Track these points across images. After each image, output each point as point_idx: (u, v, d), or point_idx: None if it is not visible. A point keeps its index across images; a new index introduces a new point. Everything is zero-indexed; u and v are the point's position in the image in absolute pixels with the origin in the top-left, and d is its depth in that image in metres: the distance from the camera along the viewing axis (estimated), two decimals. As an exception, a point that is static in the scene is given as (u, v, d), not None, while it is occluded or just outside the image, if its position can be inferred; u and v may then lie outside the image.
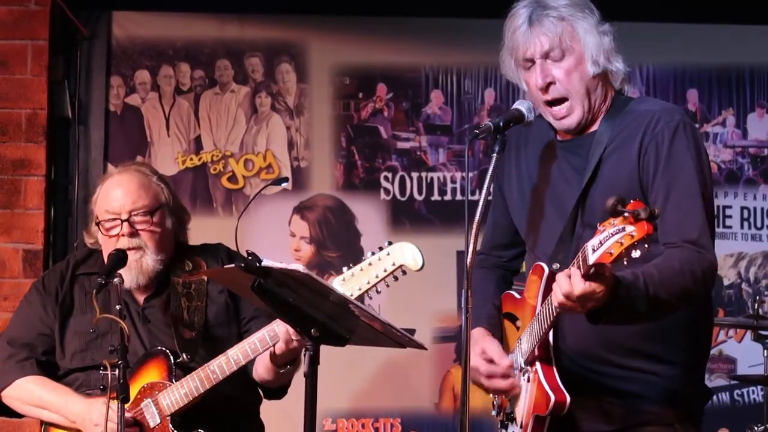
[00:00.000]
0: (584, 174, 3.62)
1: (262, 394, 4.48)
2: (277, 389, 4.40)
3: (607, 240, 3.12)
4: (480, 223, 3.45)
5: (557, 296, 3.31)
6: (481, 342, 3.75)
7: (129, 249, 4.29)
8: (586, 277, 3.23)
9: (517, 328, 3.77)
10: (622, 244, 3.09)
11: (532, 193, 3.77)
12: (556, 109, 3.65)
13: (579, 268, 3.23)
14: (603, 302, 3.29)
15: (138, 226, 4.33)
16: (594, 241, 3.16)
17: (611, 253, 3.11)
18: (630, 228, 3.08)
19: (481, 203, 3.47)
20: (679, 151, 3.52)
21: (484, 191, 3.49)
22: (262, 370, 4.24)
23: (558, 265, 3.58)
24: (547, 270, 3.59)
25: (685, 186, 3.50)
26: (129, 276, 4.28)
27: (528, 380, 3.62)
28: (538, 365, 3.58)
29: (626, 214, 3.08)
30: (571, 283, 3.25)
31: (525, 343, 3.64)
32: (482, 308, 3.85)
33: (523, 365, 3.66)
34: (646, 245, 3.07)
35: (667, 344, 3.60)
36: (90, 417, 4.22)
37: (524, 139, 3.81)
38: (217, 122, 6.48)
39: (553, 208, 3.71)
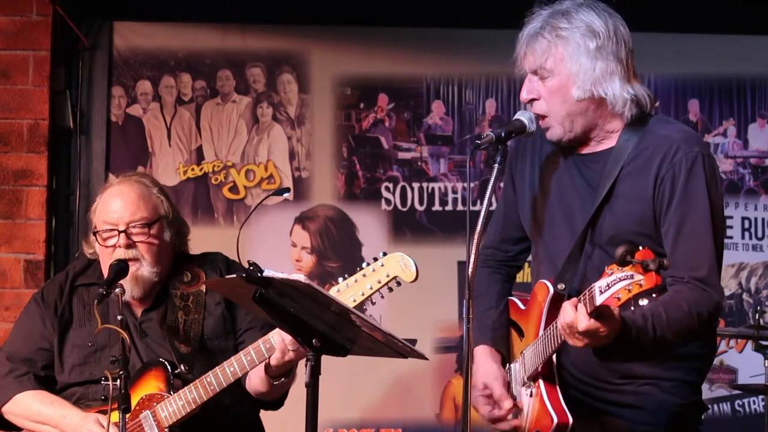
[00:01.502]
0: (598, 191, 3.62)
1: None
2: (271, 402, 4.38)
3: (615, 284, 3.16)
4: (481, 233, 3.46)
5: (560, 324, 3.36)
6: (481, 370, 3.77)
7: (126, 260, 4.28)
8: (591, 315, 3.28)
9: (521, 338, 3.77)
10: (630, 291, 3.14)
11: (542, 198, 3.77)
12: (540, 122, 3.67)
13: (585, 305, 3.27)
14: (608, 341, 3.35)
15: (135, 238, 4.31)
16: (602, 283, 3.20)
17: (618, 298, 3.16)
18: (639, 277, 3.12)
19: (482, 214, 3.47)
20: (696, 184, 3.53)
21: (485, 202, 3.48)
22: (256, 381, 4.22)
23: (563, 286, 3.61)
24: (552, 290, 3.61)
25: (698, 221, 3.52)
26: (125, 287, 4.25)
27: (531, 395, 3.64)
28: (541, 383, 3.61)
29: (635, 263, 3.12)
30: (576, 316, 3.30)
31: (529, 358, 3.65)
32: (487, 318, 3.86)
33: (526, 380, 3.67)
34: (654, 294, 3.13)
35: (669, 362, 3.63)
36: (86, 428, 4.21)
37: (539, 141, 3.80)
38: (218, 132, 6.48)
39: (562, 218, 3.71)
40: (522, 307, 3.82)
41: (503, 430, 3.75)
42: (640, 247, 3.14)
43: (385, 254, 3.87)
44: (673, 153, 3.55)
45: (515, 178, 3.87)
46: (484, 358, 3.79)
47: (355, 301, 3.86)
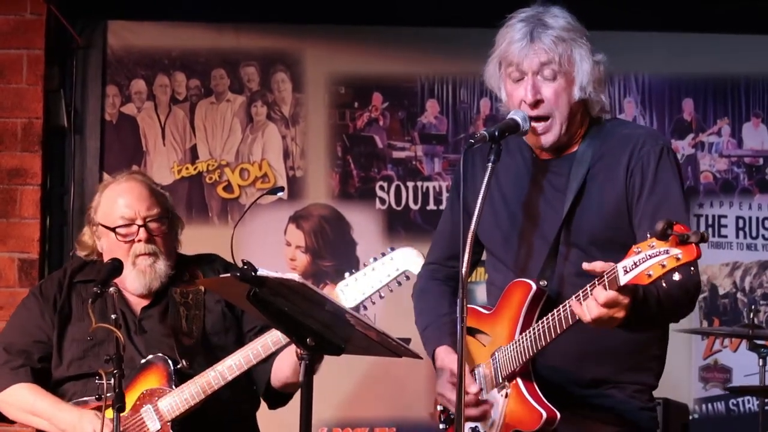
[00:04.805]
0: (567, 194, 3.63)
1: (267, 403, 4.47)
2: (289, 394, 4.40)
3: (644, 261, 3.15)
4: (475, 233, 3.45)
5: (591, 312, 3.32)
6: (448, 363, 3.77)
7: (143, 255, 4.33)
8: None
9: (484, 343, 3.76)
10: (664, 266, 3.12)
11: (506, 208, 3.76)
12: (537, 124, 3.64)
13: (605, 288, 3.26)
14: (621, 321, 3.35)
15: (154, 232, 4.36)
16: (627, 262, 3.19)
17: (650, 275, 3.15)
18: (675, 251, 3.11)
19: (476, 213, 3.46)
20: (665, 174, 3.58)
21: (479, 201, 3.48)
22: (290, 373, 4.23)
23: (545, 282, 3.61)
24: (534, 287, 3.60)
25: (674, 207, 3.55)
26: (142, 281, 4.33)
27: (505, 396, 3.63)
28: (519, 381, 3.60)
29: (673, 235, 3.10)
30: (599, 296, 3.29)
31: (505, 358, 3.63)
32: (444, 324, 3.86)
33: (500, 380, 3.65)
34: (692, 268, 3.13)
35: (632, 366, 3.67)
36: (81, 427, 4.22)
37: (488, 150, 3.69)
38: (212, 131, 6.48)
39: (531, 225, 3.70)
40: (485, 312, 3.78)
41: (472, 416, 3.73)
42: (675, 222, 3.13)
43: (392, 249, 3.90)
44: (639, 146, 3.60)
45: (467, 194, 3.71)
46: (448, 354, 3.80)
47: (364, 294, 3.93)
